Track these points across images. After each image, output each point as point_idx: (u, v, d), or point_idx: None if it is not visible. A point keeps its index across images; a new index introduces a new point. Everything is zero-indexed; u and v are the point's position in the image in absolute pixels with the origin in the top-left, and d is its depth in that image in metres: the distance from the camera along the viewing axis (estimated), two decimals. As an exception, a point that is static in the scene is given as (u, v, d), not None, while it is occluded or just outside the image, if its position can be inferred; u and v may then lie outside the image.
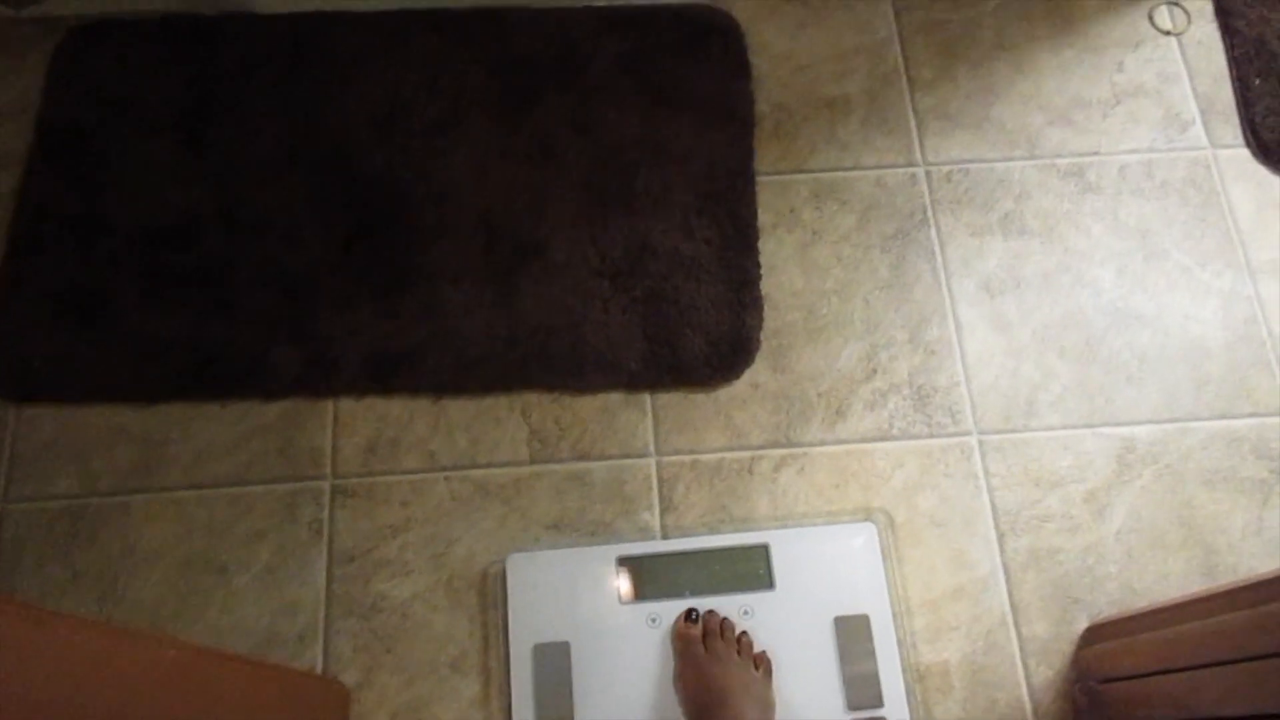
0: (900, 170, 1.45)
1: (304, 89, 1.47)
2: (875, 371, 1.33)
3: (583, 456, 1.29)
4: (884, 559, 1.23)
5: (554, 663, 1.17)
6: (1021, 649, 1.21)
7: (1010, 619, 1.22)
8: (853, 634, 1.18)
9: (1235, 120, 1.48)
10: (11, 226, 1.39)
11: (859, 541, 1.24)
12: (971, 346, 1.35)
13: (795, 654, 1.17)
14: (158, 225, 1.39)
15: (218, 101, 1.47)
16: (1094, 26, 1.54)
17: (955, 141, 1.47)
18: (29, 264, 1.37)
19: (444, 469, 1.28)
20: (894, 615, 1.20)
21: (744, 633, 1.17)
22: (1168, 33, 1.54)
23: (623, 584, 1.21)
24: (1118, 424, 1.31)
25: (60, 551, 1.23)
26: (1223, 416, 1.31)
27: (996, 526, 1.26)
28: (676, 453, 1.29)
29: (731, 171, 1.43)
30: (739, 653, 1.14)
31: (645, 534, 1.25)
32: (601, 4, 1.53)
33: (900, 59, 1.52)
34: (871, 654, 1.18)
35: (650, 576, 1.21)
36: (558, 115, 1.46)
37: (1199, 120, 1.48)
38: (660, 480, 1.28)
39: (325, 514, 1.26)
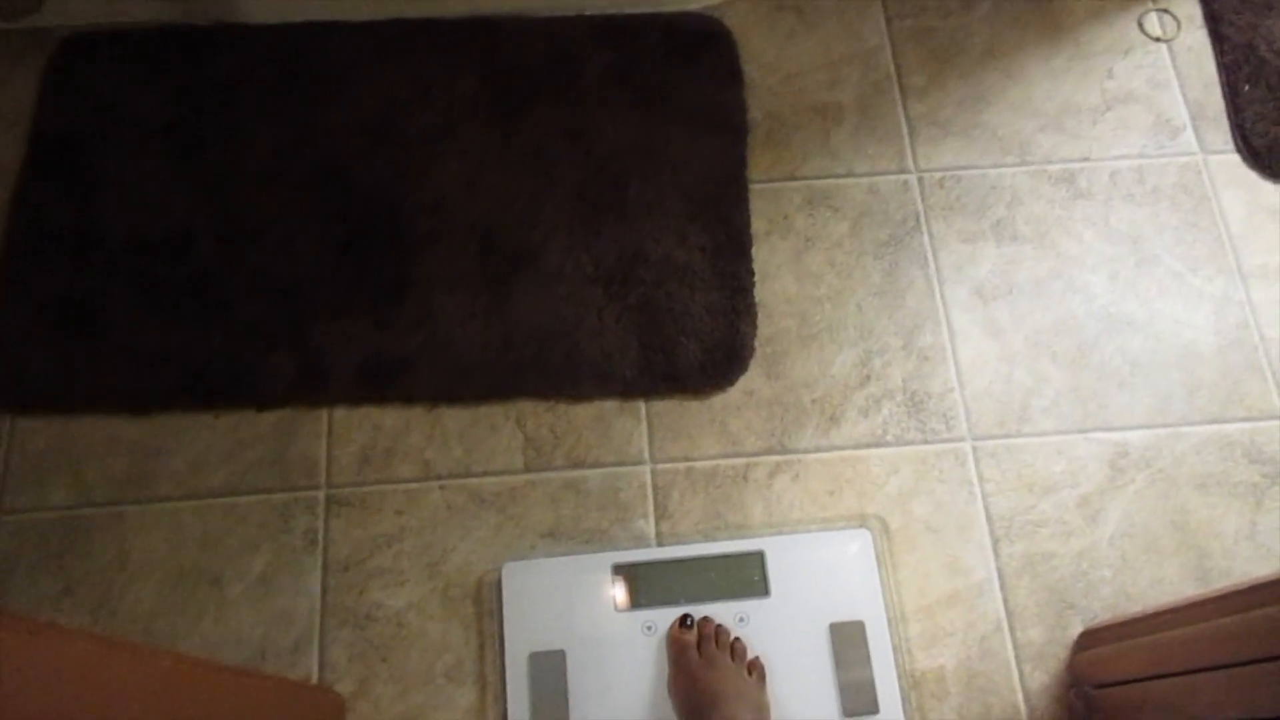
0: (892, 177, 1.45)
1: (296, 99, 1.48)
2: (869, 378, 1.34)
3: (578, 464, 1.29)
4: (879, 565, 1.23)
5: (550, 671, 1.17)
6: (1016, 654, 1.21)
7: (1005, 624, 1.22)
8: (848, 640, 1.18)
9: (1225, 126, 1.49)
10: (5, 237, 1.39)
11: (854, 548, 1.24)
12: (964, 352, 1.35)
13: (791, 660, 1.17)
14: (151, 235, 1.39)
15: (211, 112, 1.47)
16: (1084, 33, 1.55)
17: (947, 148, 1.47)
18: (23, 275, 1.36)
19: (439, 478, 1.28)
20: (889, 621, 1.20)
21: (738, 639, 1.17)
22: (1157, 39, 1.55)
23: (618, 592, 1.21)
24: (1111, 429, 1.31)
25: (54, 562, 1.23)
26: (1215, 421, 1.32)
27: (991, 532, 1.26)
28: (671, 460, 1.29)
29: (724, 179, 1.43)
30: (733, 658, 1.14)
31: (640, 541, 1.25)
32: (594, 13, 1.54)
33: (892, 66, 1.53)
34: (867, 660, 1.18)
35: (646, 584, 1.21)
36: (550, 124, 1.46)
37: (1189, 126, 1.49)
38: (655, 488, 1.28)
39: (320, 523, 1.26)
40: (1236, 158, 1.47)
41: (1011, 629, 1.22)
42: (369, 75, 1.49)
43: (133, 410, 1.30)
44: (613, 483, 1.28)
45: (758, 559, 1.22)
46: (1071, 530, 1.26)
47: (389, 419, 1.31)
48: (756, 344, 1.35)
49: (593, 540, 1.25)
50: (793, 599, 1.20)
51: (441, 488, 1.27)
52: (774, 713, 1.13)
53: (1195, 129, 1.49)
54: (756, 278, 1.38)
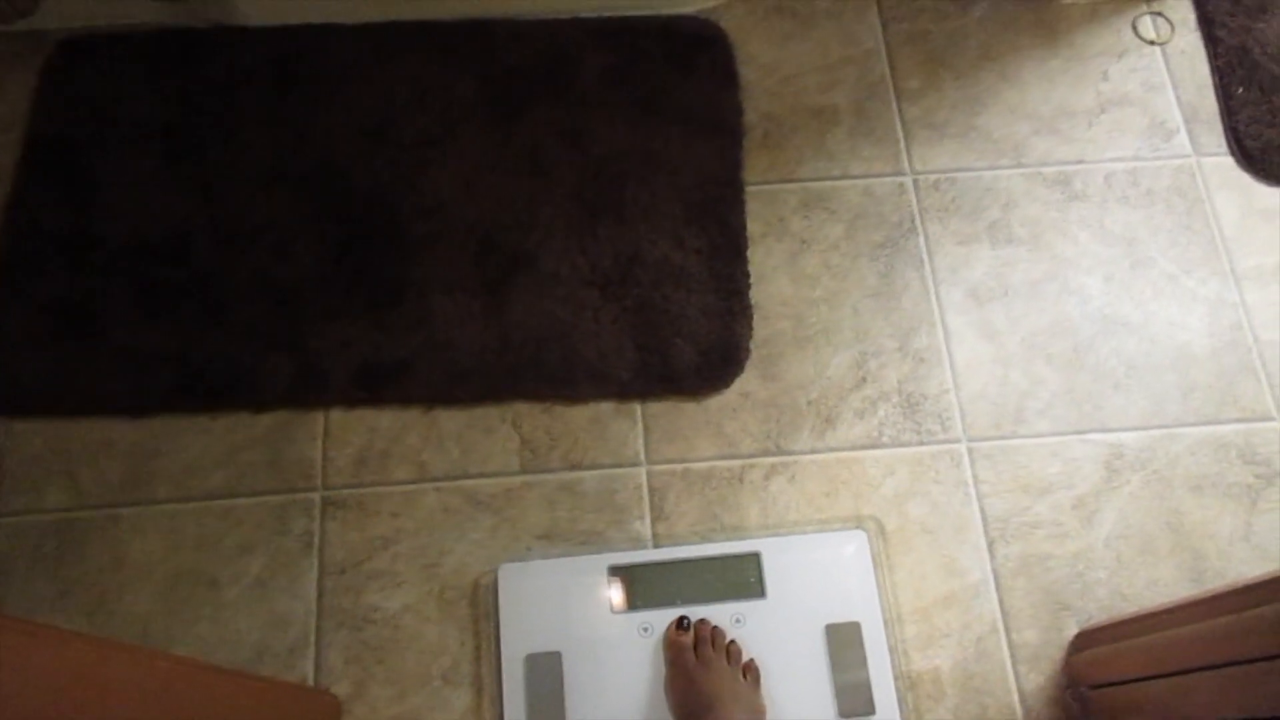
0: (888, 179, 1.46)
1: (294, 101, 1.48)
2: (865, 380, 1.34)
3: (574, 466, 1.29)
4: (875, 566, 1.23)
5: (546, 673, 1.17)
6: (1012, 655, 1.21)
7: (1001, 625, 1.22)
8: (844, 641, 1.18)
9: (1219, 128, 1.49)
10: (1, 240, 1.38)
11: (850, 549, 1.24)
12: (960, 354, 1.36)
13: (787, 662, 1.17)
14: (148, 237, 1.39)
15: (207, 114, 1.47)
16: (1078, 36, 1.55)
17: (942, 151, 1.48)
18: (19, 277, 1.36)
19: (435, 480, 1.28)
20: (885, 622, 1.21)
21: (733, 641, 1.17)
22: (1151, 42, 1.55)
23: (614, 593, 1.21)
24: (1106, 430, 1.32)
25: (49, 566, 1.23)
26: (1210, 422, 1.32)
27: (986, 533, 1.26)
28: (667, 462, 1.29)
29: (720, 181, 1.43)
30: (728, 661, 1.14)
31: (637, 543, 1.25)
32: (590, 15, 1.54)
33: (887, 69, 1.53)
34: (863, 661, 1.18)
35: (642, 586, 1.21)
36: (547, 126, 1.46)
37: (1183, 129, 1.49)
38: (651, 489, 1.28)
39: (316, 526, 1.26)
40: (1230, 160, 1.47)
41: (1007, 630, 1.22)
42: (367, 77, 1.49)
43: (129, 413, 1.30)
44: (609, 484, 1.28)
45: (754, 560, 1.22)
46: (1067, 531, 1.26)
47: (385, 421, 1.31)
48: (752, 346, 1.35)
49: (589, 542, 1.25)
50: (789, 600, 1.21)
51: (438, 490, 1.27)
52: (770, 714, 1.14)
53: (1189, 132, 1.49)
54: (752, 280, 1.38)
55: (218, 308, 1.35)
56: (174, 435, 1.29)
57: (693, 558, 1.23)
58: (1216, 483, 1.29)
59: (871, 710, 1.16)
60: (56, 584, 1.22)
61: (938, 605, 1.23)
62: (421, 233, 1.39)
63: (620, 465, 1.29)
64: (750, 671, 1.15)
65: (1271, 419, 1.32)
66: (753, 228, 1.42)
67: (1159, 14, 1.57)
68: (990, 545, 1.26)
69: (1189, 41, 1.55)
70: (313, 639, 1.20)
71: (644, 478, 1.28)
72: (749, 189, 1.44)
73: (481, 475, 1.28)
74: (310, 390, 1.31)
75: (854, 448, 1.30)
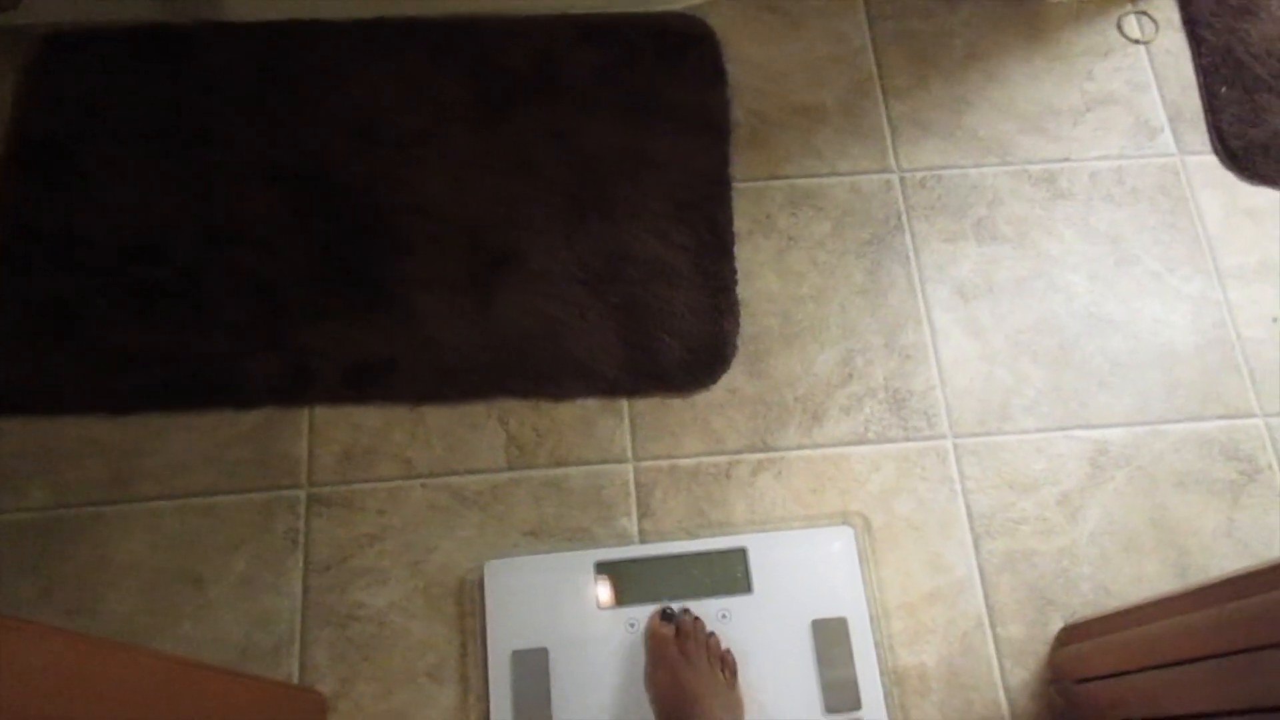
0: (875, 177, 1.46)
1: (280, 99, 1.47)
2: (851, 376, 1.34)
3: (560, 463, 1.29)
4: (861, 562, 1.24)
5: (533, 669, 1.16)
6: (998, 650, 1.22)
7: (986, 621, 1.23)
8: (830, 637, 1.19)
9: (1203, 127, 1.50)
10: (-17, 236, 1.38)
11: (836, 545, 1.24)
12: (946, 351, 1.36)
13: (773, 657, 1.18)
14: (133, 236, 1.38)
15: (192, 111, 1.46)
16: (1064, 35, 1.56)
17: (929, 148, 1.48)
18: (1, 276, 1.35)
19: (421, 476, 1.28)
20: (871, 618, 1.21)
21: (712, 633, 1.17)
22: (1136, 41, 1.56)
23: (601, 589, 1.21)
24: (1090, 427, 1.32)
25: (32, 564, 1.22)
26: (1193, 419, 1.33)
27: (972, 529, 1.27)
28: (654, 458, 1.29)
29: (708, 179, 1.43)
30: (708, 654, 1.14)
31: (623, 539, 1.25)
32: (578, 13, 1.54)
33: (874, 68, 1.54)
34: (849, 657, 1.18)
35: (629, 582, 1.21)
36: (535, 124, 1.46)
37: (1168, 127, 1.50)
38: (638, 486, 1.28)
39: (301, 523, 1.25)
40: (1214, 159, 1.48)
41: (993, 625, 1.23)
42: (354, 75, 1.49)
43: (113, 410, 1.30)
44: (595, 481, 1.28)
45: (740, 556, 1.22)
46: (1052, 527, 1.27)
47: (371, 418, 1.30)
48: (739, 342, 1.35)
49: (575, 538, 1.25)
50: (775, 596, 1.21)
51: (424, 486, 1.27)
52: (754, 709, 1.14)
53: (1173, 130, 1.50)
54: (739, 277, 1.38)
55: (203, 306, 1.34)
56: (158, 433, 1.29)
57: (679, 554, 1.23)
58: (1200, 479, 1.30)
59: (858, 705, 1.16)
60: (39, 582, 1.21)
61: (924, 601, 1.23)
62: (409, 230, 1.39)
63: (607, 462, 1.29)
64: (728, 665, 1.15)
65: (1254, 416, 1.33)
66: (740, 225, 1.42)
67: (1144, 13, 1.58)
68: (976, 541, 1.26)
69: (1174, 41, 1.56)
70: (298, 636, 1.20)
71: (631, 474, 1.28)
72: (736, 186, 1.44)
73: (468, 472, 1.28)
74: (296, 388, 1.30)
75: (841, 444, 1.31)
